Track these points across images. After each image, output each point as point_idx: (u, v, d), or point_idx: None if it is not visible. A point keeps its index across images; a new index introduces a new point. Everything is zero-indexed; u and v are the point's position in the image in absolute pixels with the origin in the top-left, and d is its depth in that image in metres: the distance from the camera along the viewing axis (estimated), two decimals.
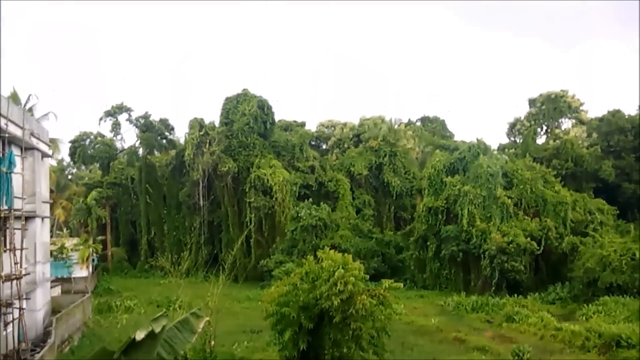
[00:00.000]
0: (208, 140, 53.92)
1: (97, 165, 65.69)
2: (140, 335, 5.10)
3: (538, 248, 39.10)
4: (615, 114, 59.31)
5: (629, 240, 36.68)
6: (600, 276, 33.69)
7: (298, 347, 17.17)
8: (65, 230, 54.55)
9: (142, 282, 47.49)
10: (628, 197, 54.10)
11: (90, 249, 41.02)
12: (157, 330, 5.28)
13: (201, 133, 54.15)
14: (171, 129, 63.74)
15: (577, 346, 24.22)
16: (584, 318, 29.85)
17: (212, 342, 18.81)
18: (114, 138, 63.59)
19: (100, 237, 51.13)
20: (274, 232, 51.29)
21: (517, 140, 66.09)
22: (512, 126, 68.49)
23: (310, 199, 50.62)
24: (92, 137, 63.21)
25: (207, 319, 17.82)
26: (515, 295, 37.20)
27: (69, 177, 73.85)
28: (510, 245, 38.19)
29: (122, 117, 61.64)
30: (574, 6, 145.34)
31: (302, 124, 65.56)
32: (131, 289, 42.42)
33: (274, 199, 50.86)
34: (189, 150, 53.54)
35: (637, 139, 55.74)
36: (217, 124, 56.45)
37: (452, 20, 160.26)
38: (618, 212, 48.51)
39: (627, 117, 58.79)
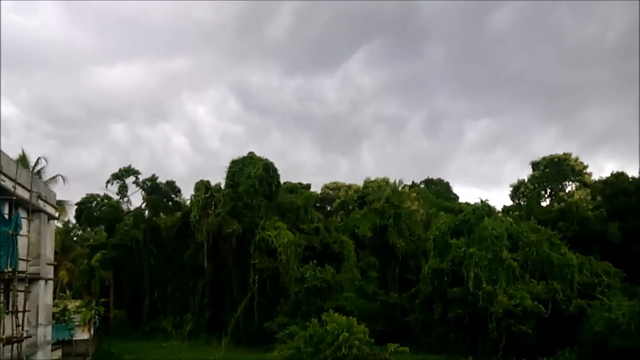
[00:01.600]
0: (213, 202, 54.32)
1: (103, 227, 65.99)
2: None
3: (545, 311, 38.53)
4: (619, 176, 59.65)
5: (637, 303, 36.08)
6: (609, 340, 33.04)
7: None
8: (68, 292, 54.21)
9: (144, 345, 46.73)
10: (635, 259, 53.59)
11: (93, 311, 40.68)
12: None
13: (207, 195, 54.59)
14: (177, 191, 64.38)
15: None
16: None
17: None
18: (121, 200, 64.17)
19: (103, 299, 50.74)
20: (277, 294, 50.76)
21: (521, 203, 66.22)
22: (516, 189, 68.84)
23: (315, 261, 50.38)
24: (98, 199, 63.80)
25: None
26: (523, 359, 36.41)
27: (74, 238, 73.92)
28: (517, 308, 37.67)
29: (129, 180, 62.47)
30: (571, 74, 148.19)
31: (307, 186, 66.17)
32: (132, 352, 41.74)
33: (278, 260, 50.65)
34: (195, 212, 53.83)
35: None
36: (222, 186, 56.96)
37: (450, 84, 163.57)
38: (625, 274, 47.93)
39: (630, 179, 59.13)
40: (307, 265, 49.23)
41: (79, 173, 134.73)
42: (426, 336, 44.03)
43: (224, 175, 57.24)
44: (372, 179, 67.38)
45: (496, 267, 41.35)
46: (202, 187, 55.40)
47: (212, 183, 56.81)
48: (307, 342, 18.27)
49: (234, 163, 57.13)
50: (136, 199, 68.09)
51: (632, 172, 62.97)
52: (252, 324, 49.49)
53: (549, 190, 67.14)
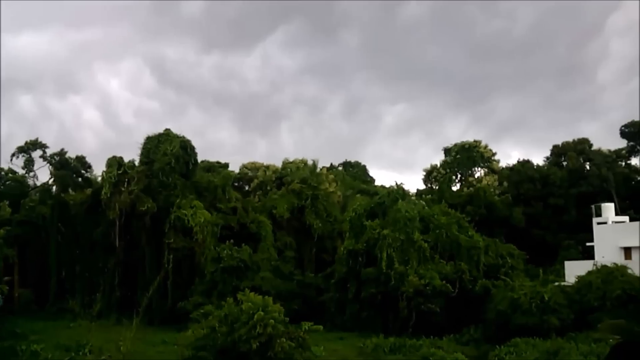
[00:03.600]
0: (126, 179, 52.48)
1: (7, 202, 62.38)
2: None
3: (453, 290, 40.26)
4: (525, 164, 63.07)
5: (538, 284, 38.46)
6: (512, 318, 35.05)
7: None
8: None
9: (51, 325, 44.77)
10: (537, 242, 57.07)
11: None
12: None
13: (119, 172, 52.62)
14: (88, 167, 61.77)
15: None
16: (496, 359, 30.83)
17: None
18: (26, 175, 60.85)
19: (7, 278, 48.15)
20: (193, 274, 50.03)
21: (434, 187, 68.55)
22: (429, 173, 71.14)
23: (232, 240, 50.00)
24: (2, 173, 60.19)
25: None
26: (432, 336, 37.91)
27: None
28: (427, 288, 39.15)
29: (36, 154, 59.30)
30: (480, 66, 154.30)
31: (225, 166, 65.40)
32: (39, 332, 39.91)
33: (194, 239, 49.85)
34: (106, 189, 51.76)
35: (544, 188, 59.27)
36: (136, 163, 55.17)
37: (370, 73, 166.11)
38: (527, 256, 50.91)
39: (535, 167, 62.63)
40: (223, 245, 48.78)
41: None
42: (340, 314, 44.94)
43: (138, 152, 55.28)
44: (291, 160, 67.54)
45: (408, 248, 42.70)
46: (115, 163, 53.33)
47: (126, 160, 54.72)
48: (222, 322, 18.17)
49: (149, 140, 55.33)
50: (43, 174, 64.89)
51: (537, 160, 66.84)
52: (166, 303, 48.56)
53: (459, 176, 69.81)
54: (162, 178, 52.62)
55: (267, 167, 68.03)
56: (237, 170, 68.29)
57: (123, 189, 51.71)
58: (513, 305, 35.46)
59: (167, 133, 55.28)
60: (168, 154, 52.89)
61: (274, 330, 17.03)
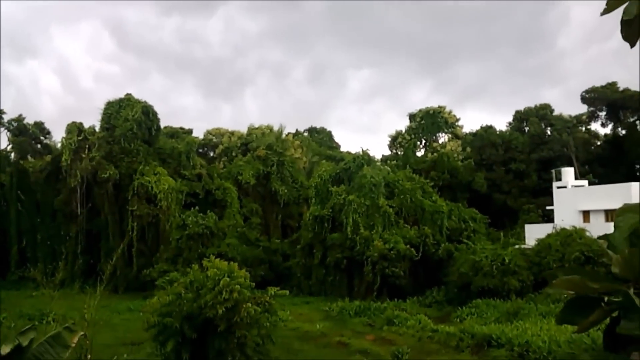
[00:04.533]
0: (87, 146, 51.39)
1: None
2: (5, 349, 4.82)
3: (417, 254, 40.96)
4: (487, 129, 63.85)
5: (498, 247, 39.44)
6: (473, 280, 35.92)
7: (181, 358, 16.85)
8: None
9: (12, 295, 44.05)
10: (498, 207, 58.29)
11: None
12: (25, 344, 5.02)
13: (80, 138, 51.44)
14: (47, 133, 60.21)
15: (452, 346, 25.63)
16: (458, 320, 31.63)
17: (89, 356, 17.90)
18: None
19: None
20: (157, 241, 49.70)
21: (399, 153, 69.04)
22: (394, 139, 71.53)
23: (197, 207, 49.68)
24: None
25: (82, 333, 17.00)
26: (396, 299, 38.72)
27: None
28: (391, 252, 39.73)
29: None
30: (443, 32, 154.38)
31: (189, 132, 64.53)
32: (0, 302, 39.28)
33: (158, 207, 49.34)
34: (66, 156, 50.63)
35: (506, 153, 60.26)
36: (97, 129, 53.95)
37: (338, 37, 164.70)
38: (489, 220, 51.98)
39: (498, 132, 63.52)
40: (188, 212, 48.48)
41: None
42: (306, 280, 45.44)
43: (99, 117, 54.05)
44: (256, 126, 67.00)
45: (373, 214, 43.12)
46: (75, 129, 52.05)
47: (86, 125, 53.50)
48: (188, 288, 18.09)
49: (109, 105, 54.03)
50: (1, 141, 63.05)
51: (500, 126, 67.77)
52: (130, 271, 48.28)
53: (424, 141, 70.41)
54: (124, 144, 51.65)
55: (232, 133, 67.37)
56: (201, 137, 67.56)
57: (84, 155, 50.66)
58: (475, 268, 36.28)
59: (129, 98, 54.08)
60: (130, 120, 51.82)
61: (240, 295, 17.04)
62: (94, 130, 53.52)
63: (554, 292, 1.66)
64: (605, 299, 1.63)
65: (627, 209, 1.54)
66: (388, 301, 37.90)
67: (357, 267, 42.27)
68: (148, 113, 53.06)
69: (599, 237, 1.78)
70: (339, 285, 43.50)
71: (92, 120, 52.57)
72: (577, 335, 22.17)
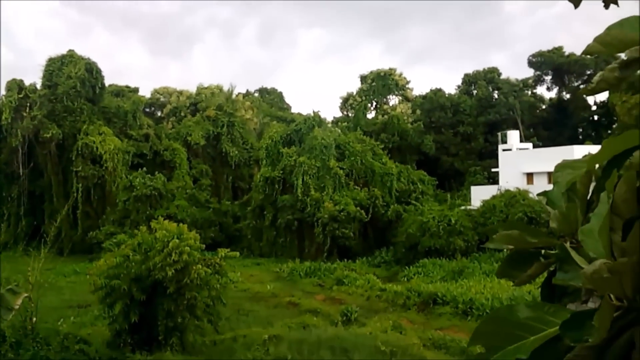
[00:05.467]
0: (28, 104, 49.45)
1: None
2: None
3: (366, 216, 41.59)
4: (437, 92, 64.57)
5: (445, 208, 40.43)
6: (420, 241, 36.82)
7: (129, 320, 16.73)
8: None
9: None
10: (446, 169, 59.55)
11: None
12: None
13: (20, 96, 49.38)
14: None
15: (399, 305, 26.40)
16: (405, 279, 32.50)
17: (34, 319, 17.59)
18: None
19: None
20: (104, 203, 48.71)
21: (350, 115, 69.16)
22: (345, 101, 71.49)
23: (145, 168, 48.76)
24: None
25: (26, 295, 16.66)
26: (345, 260, 39.39)
27: None
28: (342, 214, 40.19)
29: None
30: None
31: (135, 90, 62.60)
32: None
33: (103, 168, 48.17)
34: (7, 114, 48.53)
35: (455, 116, 61.24)
36: (38, 86, 51.87)
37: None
38: (437, 182, 53.09)
39: (447, 95, 64.34)
40: (136, 173, 47.58)
41: None
42: (257, 241, 45.61)
43: (40, 75, 51.93)
44: (205, 85, 65.56)
45: (324, 175, 43.35)
46: (15, 86, 49.85)
47: (27, 83, 51.35)
48: (136, 250, 17.86)
49: (51, 62, 51.84)
50: None
51: (449, 89, 68.65)
52: (76, 233, 47.27)
53: (374, 103, 70.61)
54: (67, 103, 49.88)
55: (181, 92, 65.77)
56: (148, 96, 65.66)
57: (25, 114, 48.76)
58: (422, 229, 37.13)
59: (71, 55, 52.00)
60: (72, 77, 49.95)
61: (190, 257, 16.92)
62: (35, 88, 51.47)
63: (494, 246, 1.69)
64: (543, 252, 1.66)
65: (565, 165, 1.56)
66: (338, 262, 38.53)
67: (308, 229, 42.65)
68: (92, 70, 51.23)
69: (539, 194, 1.81)
70: (289, 246, 43.86)
71: (33, 77, 50.40)
72: (518, 292, 23.17)
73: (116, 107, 54.13)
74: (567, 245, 1.49)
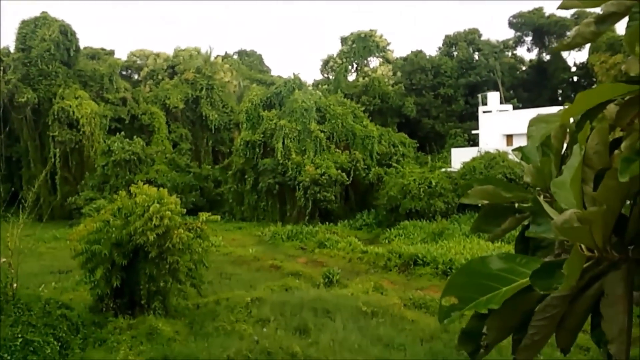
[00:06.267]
0: (2, 68, 48.30)
1: None
2: None
3: (348, 179, 41.70)
4: (418, 54, 64.15)
5: (426, 170, 40.68)
6: (401, 203, 37.12)
7: (111, 284, 16.74)
8: None
9: None
10: (427, 131, 59.66)
11: None
12: None
13: None
14: None
15: (380, 266, 26.76)
16: (386, 241, 32.86)
17: (15, 285, 17.52)
18: None
19: None
20: (82, 168, 48.16)
21: (330, 77, 68.62)
22: (326, 63, 70.78)
23: (123, 133, 48.15)
24: None
25: (5, 260, 16.57)
26: (327, 223, 39.67)
27: None
28: (323, 177, 40.24)
29: None
30: None
31: (111, 53, 61.35)
32: None
33: (81, 132, 47.48)
34: None
35: (436, 78, 61.06)
36: (12, 49, 50.61)
37: None
38: (418, 145, 53.27)
39: (428, 57, 64.00)
40: (114, 137, 46.96)
41: None
42: (238, 205, 45.62)
43: (13, 38, 50.71)
44: (183, 47, 64.37)
45: (305, 139, 43.21)
46: None
47: (0, 46, 50.13)
48: (116, 215, 17.76)
49: (24, 24, 50.48)
50: None
51: (430, 51, 68.25)
52: (55, 199, 46.85)
53: (355, 65, 70.02)
54: (42, 66, 48.81)
55: (158, 55, 64.50)
56: (124, 58, 64.36)
57: None
58: (403, 191, 37.39)
59: (45, 17, 50.64)
60: (46, 40, 48.78)
61: (171, 222, 16.87)
62: (9, 51, 50.27)
63: (469, 201, 1.70)
64: (517, 206, 1.68)
65: (540, 119, 1.56)
66: (320, 225, 38.78)
67: (289, 192, 42.73)
68: (66, 33, 50.02)
69: (514, 150, 1.81)
70: (271, 210, 43.96)
71: (6, 40, 49.09)
72: (497, 252, 23.55)
73: (92, 70, 53.08)
74: (541, 198, 1.50)
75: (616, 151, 1.30)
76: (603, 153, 1.31)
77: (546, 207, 1.34)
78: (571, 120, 1.58)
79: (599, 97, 1.36)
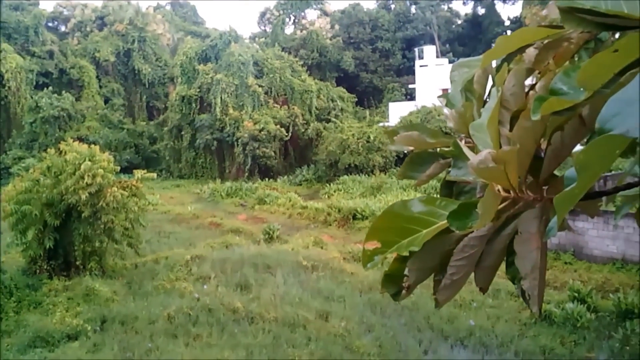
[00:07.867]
0: None
1: None
2: None
3: (287, 134, 41.55)
4: (356, 7, 63.70)
5: (365, 125, 40.99)
6: (340, 158, 37.40)
7: (44, 246, 16.27)
8: None
9: None
10: (365, 85, 59.85)
11: None
12: None
13: None
14: None
15: (321, 221, 27.02)
16: (326, 196, 33.12)
17: None
18: None
19: None
20: (9, 126, 45.90)
21: (267, 30, 67.38)
22: (263, 15, 69.41)
23: (51, 88, 46.01)
24: None
25: None
26: (267, 179, 39.59)
27: None
28: (262, 133, 39.93)
29: None
30: None
31: (35, 3, 57.91)
32: None
33: (6, 88, 45.04)
34: None
35: (373, 32, 60.96)
36: None
37: None
38: (356, 99, 53.43)
39: (366, 10, 63.67)
40: (41, 93, 44.88)
41: None
42: (176, 163, 44.86)
43: None
44: None
45: (242, 94, 42.57)
46: None
47: None
48: (46, 174, 17.11)
49: None
50: None
51: (368, 4, 67.87)
52: None
53: (293, 18, 68.92)
54: None
55: (85, 5, 61.30)
56: (50, 9, 60.94)
57: None
58: (342, 146, 37.64)
59: None
60: None
61: (104, 180, 16.39)
62: None
63: (395, 148, 1.71)
64: (441, 151, 1.70)
65: (462, 64, 1.56)
66: (259, 181, 38.66)
67: (228, 149, 42.26)
68: None
69: (438, 96, 1.82)
70: (209, 167, 43.44)
71: None
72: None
73: (16, 21, 50.14)
74: (462, 143, 1.52)
75: (531, 91, 1.33)
76: (519, 94, 1.32)
77: (465, 150, 1.35)
78: (493, 64, 1.59)
79: (520, 42, 1.37)
